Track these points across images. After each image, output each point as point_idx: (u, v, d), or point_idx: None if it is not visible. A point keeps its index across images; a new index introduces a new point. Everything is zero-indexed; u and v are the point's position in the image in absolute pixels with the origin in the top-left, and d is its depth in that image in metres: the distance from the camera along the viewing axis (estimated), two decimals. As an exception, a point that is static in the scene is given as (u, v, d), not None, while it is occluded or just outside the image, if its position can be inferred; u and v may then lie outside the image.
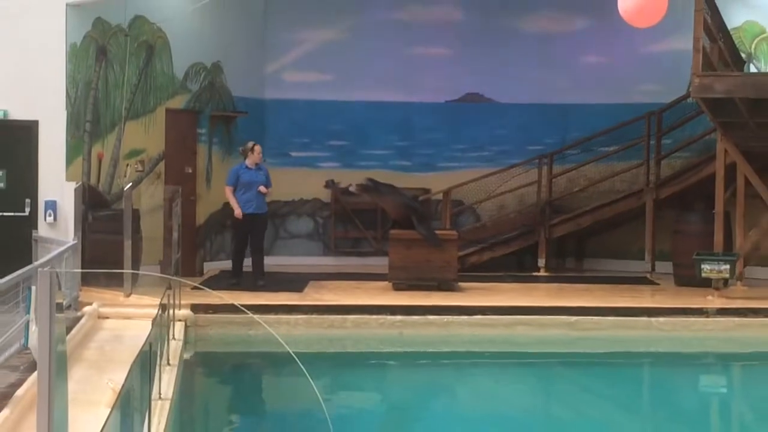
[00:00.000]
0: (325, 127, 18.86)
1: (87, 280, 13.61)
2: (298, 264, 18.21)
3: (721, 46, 15.25)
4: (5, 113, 14.08)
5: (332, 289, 15.21)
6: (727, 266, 14.42)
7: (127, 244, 13.50)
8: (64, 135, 14.23)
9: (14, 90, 14.06)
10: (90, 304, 12.52)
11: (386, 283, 15.22)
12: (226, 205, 17.31)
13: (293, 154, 18.77)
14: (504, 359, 13.37)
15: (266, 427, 10.33)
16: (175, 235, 14.25)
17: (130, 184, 14.35)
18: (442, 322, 13.40)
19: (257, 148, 15.15)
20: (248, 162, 15.07)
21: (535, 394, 12.36)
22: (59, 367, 4.79)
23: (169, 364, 10.06)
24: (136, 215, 14.31)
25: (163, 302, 9.64)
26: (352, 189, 16.06)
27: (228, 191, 15.08)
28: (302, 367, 6.13)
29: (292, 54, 18.82)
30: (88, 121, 15.00)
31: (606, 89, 18.44)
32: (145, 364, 7.61)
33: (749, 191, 15.02)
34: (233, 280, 15.07)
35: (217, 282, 15.33)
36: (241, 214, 14.85)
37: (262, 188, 14.93)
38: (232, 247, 15.77)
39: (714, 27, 14.87)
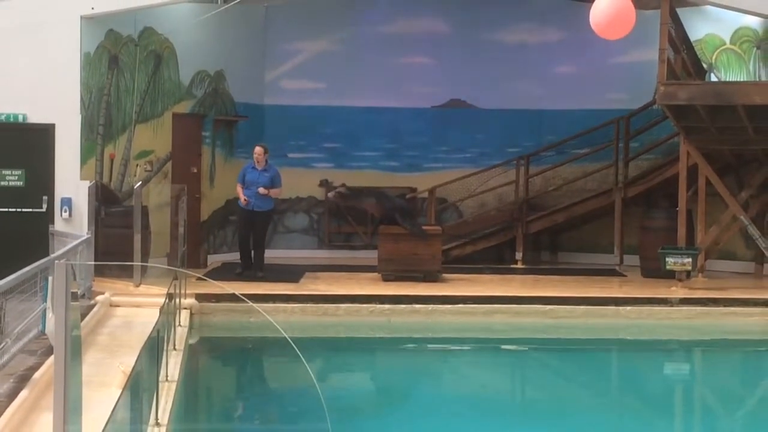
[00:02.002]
0: (319, 131, 18.84)
1: (100, 271, 13.61)
2: (294, 257, 18.19)
3: (684, 57, 15.27)
4: (24, 117, 14.08)
5: (326, 279, 15.21)
6: (690, 259, 14.46)
7: (137, 238, 13.50)
8: (79, 137, 14.22)
9: (33, 95, 14.06)
10: (102, 293, 12.53)
11: (376, 274, 15.22)
12: (228, 203, 17.37)
13: (290, 155, 18.73)
14: (483, 344, 13.39)
15: (265, 406, 10.33)
16: (181, 230, 14.24)
17: (140, 182, 14.36)
18: (427, 311, 13.41)
19: (255, 149, 15.12)
20: (254, 162, 15.10)
21: (511, 376, 12.40)
22: (74, 351, 4.80)
23: (175, 348, 10.07)
24: (145, 211, 14.30)
25: (169, 292, 9.65)
26: (330, 196, 16.09)
27: (237, 186, 15.13)
28: (298, 351, 6.13)
29: (290, 63, 18.80)
30: (101, 125, 14.99)
31: (578, 96, 18.44)
32: (153, 348, 7.63)
33: (710, 190, 15.05)
34: (238, 269, 15.10)
35: (219, 273, 15.33)
36: (245, 200, 14.84)
37: (260, 189, 14.87)
38: (238, 240, 15.77)
39: (678, 39, 14.89)
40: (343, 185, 16.03)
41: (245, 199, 14.87)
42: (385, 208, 15.46)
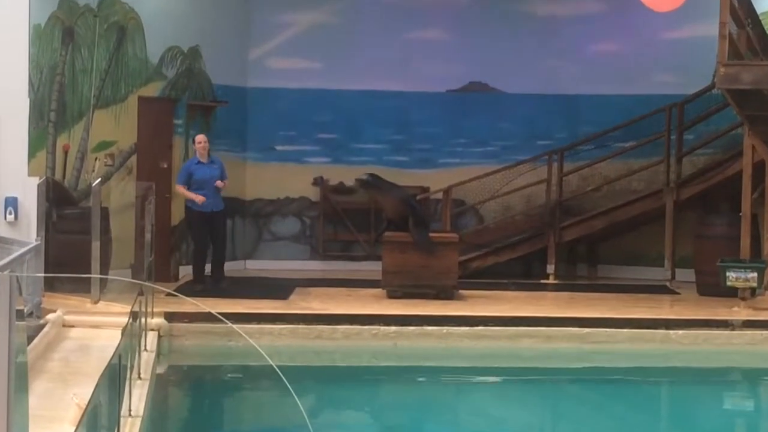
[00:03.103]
0: (313, 119, 18.86)
1: (51, 285, 13.57)
2: (282, 269, 18.21)
3: (749, 33, 15.26)
4: (-39, 101, 14.08)
5: (320, 296, 15.21)
6: (755, 274, 14.43)
7: (95, 246, 13.48)
8: (27, 125, 14.22)
9: (-28, 75, 14.07)
10: (54, 311, 12.49)
11: (380, 290, 15.23)
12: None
13: (278, 147, 18.76)
14: (508, 375, 13.37)
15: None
16: (148, 236, 14.21)
17: (99, 179, 14.33)
18: (441, 334, 13.40)
19: (197, 138, 15.29)
20: (198, 156, 15.21)
21: (541, 414, 12.36)
22: (19, 380, 4.78)
23: (140, 378, 10.05)
24: (105, 214, 14.29)
25: (134, 310, 9.63)
26: (351, 184, 16.10)
27: (180, 189, 15.19)
28: (286, 382, 6.12)
29: (278, 38, 18.83)
30: (53, 110, 14.99)
31: (622, 79, 18.45)
32: (114, 377, 7.62)
33: (779, 192, 15.05)
34: (198, 286, 15.09)
35: (193, 288, 15.32)
36: (204, 199, 14.90)
37: (219, 183, 15.00)
38: (193, 250, 15.84)
39: (742, 11, 14.88)
40: (369, 174, 15.91)
41: (202, 199, 14.89)
42: (401, 209, 15.38)
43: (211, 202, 14.99)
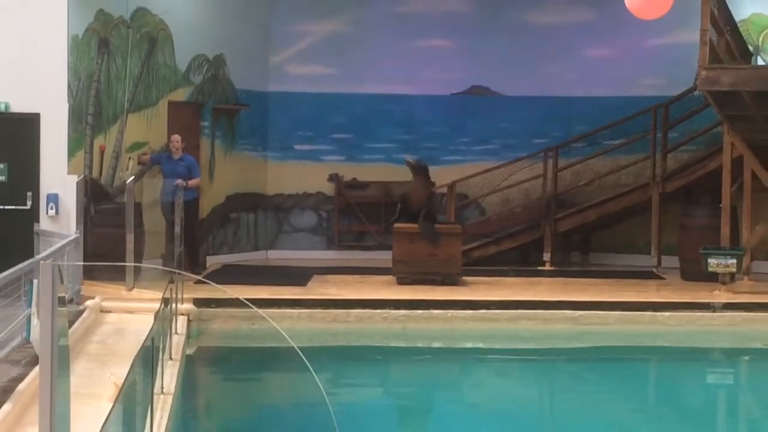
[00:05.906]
0: (328, 121, 18.87)
1: (89, 274, 13.63)
2: (301, 258, 18.23)
3: (728, 39, 15.23)
4: (7, 106, 14.09)
5: (336, 283, 15.23)
6: (734, 260, 14.43)
7: (130, 238, 13.53)
8: (66, 128, 14.24)
9: (16, 82, 14.04)
10: (92, 297, 12.55)
11: (390, 277, 15.24)
12: (229, 199, 17.49)
13: (297, 147, 18.77)
14: (508, 354, 13.38)
15: (269, 422, 10.34)
16: (178, 228, 14.27)
17: (133, 177, 14.37)
18: (446, 317, 13.41)
19: (172, 138, 15.66)
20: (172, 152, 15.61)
21: (539, 389, 12.37)
22: (61, 361, 4.81)
23: (171, 358, 10.09)
24: (138, 209, 14.32)
25: (165, 296, 9.66)
26: (409, 158, 16.05)
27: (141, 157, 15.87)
28: (306, 361, 6.14)
29: (296, 46, 18.83)
30: (90, 114, 15.02)
31: (611, 82, 18.43)
32: (148, 358, 7.63)
33: (756, 185, 14.99)
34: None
35: (219, 276, 15.34)
36: (141, 157, 15.76)
37: (179, 182, 15.09)
38: None
39: (721, 19, 14.85)
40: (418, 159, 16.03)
41: (144, 158, 15.71)
42: (423, 202, 15.34)
43: (171, 193, 15.12)
